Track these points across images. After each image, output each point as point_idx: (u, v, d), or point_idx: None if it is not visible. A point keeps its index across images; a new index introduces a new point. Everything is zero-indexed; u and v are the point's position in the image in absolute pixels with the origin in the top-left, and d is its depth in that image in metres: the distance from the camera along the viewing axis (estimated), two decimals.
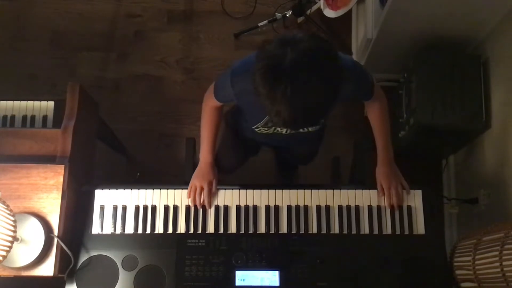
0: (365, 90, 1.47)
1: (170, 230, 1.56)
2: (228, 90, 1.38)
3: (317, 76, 1.05)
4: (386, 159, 1.59)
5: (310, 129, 1.51)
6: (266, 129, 1.53)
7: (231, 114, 1.75)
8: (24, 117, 1.89)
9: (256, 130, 1.55)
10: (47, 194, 1.49)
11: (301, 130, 1.47)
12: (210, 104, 1.56)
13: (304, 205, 1.58)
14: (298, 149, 1.91)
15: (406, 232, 1.55)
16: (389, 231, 1.56)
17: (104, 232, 1.55)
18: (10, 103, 1.91)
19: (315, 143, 1.89)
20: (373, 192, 1.60)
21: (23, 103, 1.90)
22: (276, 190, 1.60)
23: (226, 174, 1.83)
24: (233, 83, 1.35)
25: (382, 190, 1.58)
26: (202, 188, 1.59)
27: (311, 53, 1.06)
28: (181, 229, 1.56)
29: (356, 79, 1.37)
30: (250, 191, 1.60)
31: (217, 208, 1.58)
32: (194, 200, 1.58)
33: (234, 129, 1.78)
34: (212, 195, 1.59)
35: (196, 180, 1.60)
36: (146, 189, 1.60)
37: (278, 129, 1.51)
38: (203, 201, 1.58)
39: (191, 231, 1.55)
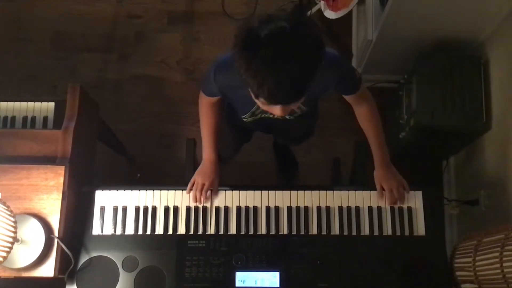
0: (351, 82, 1.46)
1: (170, 231, 1.55)
2: (212, 86, 1.41)
3: (298, 44, 1.04)
4: (383, 161, 1.58)
5: (297, 112, 1.49)
6: (253, 117, 1.52)
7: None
8: (25, 118, 1.89)
9: (244, 120, 1.54)
10: (48, 195, 1.50)
11: (287, 117, 1.46)
12: (205, 101, 1.56)
13: (305, 206, 1.58)
14: (290, 130, 1.86)
15: (407, 233, 1.55)
16: (390, 232, 1.56)
17: (105, 233, 1.55)
18: (10, 104, 1.91)
19: (307, 124, 1.85)
20: (374, 193, 1.60)
21: (24, 104, 1.90)
22: (277, 191, 1.60)
23: (222, 164, 1.80)
24: (216, 80, 1.37)
25: (382, 192, 1.58)
26: (203, 185, 1.58)
27: (290, 27, 1.04)
28: (182, 230, 1.56)
29: (340, 70, 1.37)
30: (250, 192, 1.60)
31: (217, 209, 1.58)
32: (195, 196, 1.57)
33: (225, 117, 1.75)
34: (213, 193, 1.59)
35: (199, 176, 1.59)
36: (146, 190, 1.60)
37: (265, 114, 1.50)
38: (204, 198, 1.57)
39: (192, 232, 1.55)
